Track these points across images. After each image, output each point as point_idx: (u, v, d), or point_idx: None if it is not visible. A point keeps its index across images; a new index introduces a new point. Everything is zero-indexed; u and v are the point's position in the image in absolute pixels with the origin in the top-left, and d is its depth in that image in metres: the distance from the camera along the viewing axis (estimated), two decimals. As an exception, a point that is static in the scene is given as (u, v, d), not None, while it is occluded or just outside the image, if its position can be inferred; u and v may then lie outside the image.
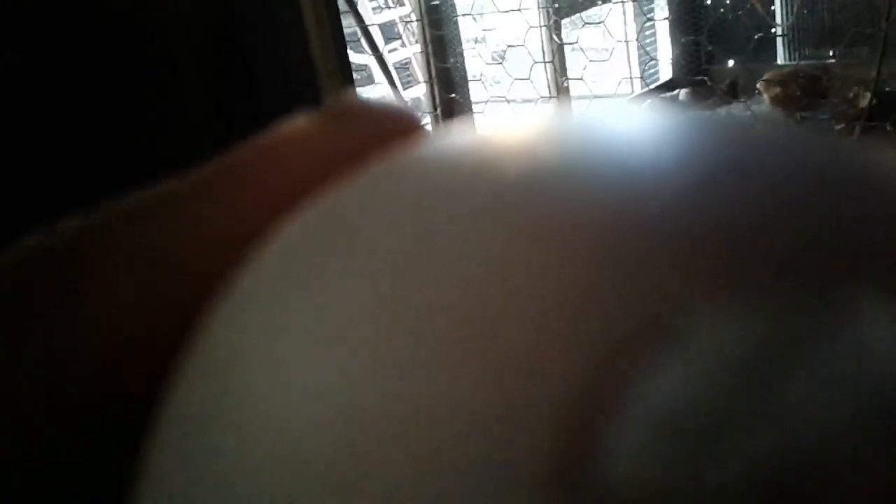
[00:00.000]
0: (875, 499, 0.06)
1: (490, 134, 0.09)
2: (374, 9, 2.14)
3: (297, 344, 0.08)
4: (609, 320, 0.07)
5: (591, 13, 2.00)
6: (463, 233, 0.08)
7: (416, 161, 0.10)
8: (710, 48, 2.09)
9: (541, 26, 1.83)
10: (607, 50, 1.96)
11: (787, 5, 2.14)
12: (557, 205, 0.08)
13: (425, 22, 1.81)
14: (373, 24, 1.90)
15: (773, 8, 2.16)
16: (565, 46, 1.89)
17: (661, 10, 2.18)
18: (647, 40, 2.21)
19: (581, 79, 1.86)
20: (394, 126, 0.11)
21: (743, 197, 0.08)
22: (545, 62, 1.85)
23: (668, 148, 0.09)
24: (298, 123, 0.12)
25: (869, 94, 1.69)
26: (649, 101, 2.02)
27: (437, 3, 1.78)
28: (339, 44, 0.98)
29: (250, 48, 0.85)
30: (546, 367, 0.07)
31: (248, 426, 0.08)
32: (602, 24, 1.93)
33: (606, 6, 1.98)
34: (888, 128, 1.59)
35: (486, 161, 0.09)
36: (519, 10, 1.78)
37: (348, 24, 1.84)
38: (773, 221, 0.07)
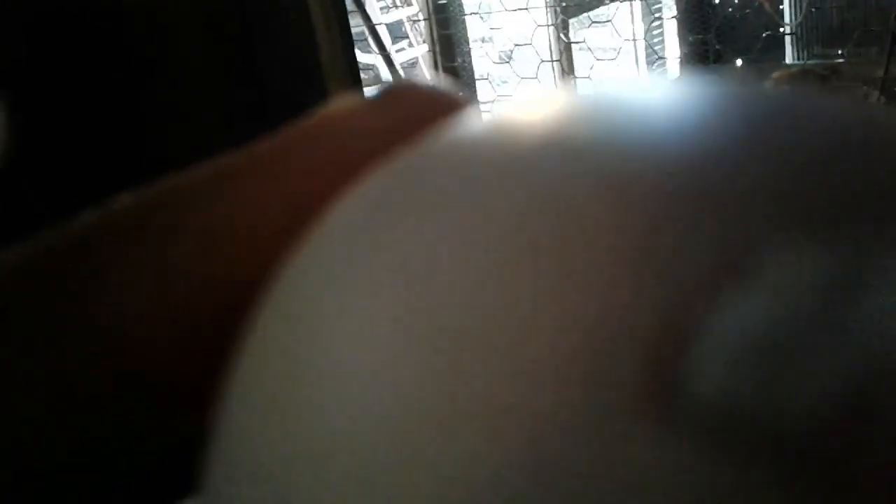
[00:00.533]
0: None
1: (536, 109, 0.10)
2: (381, 8, 2.14)
3: (356, 319, 0.08)
4: (690, 255, 0.07)
5: (599, 12, 1.99)
6: (536, 190, 0.08)
7: (468, 139, 0.10)
8: (718, 47, 2.09)
9: (548, 25, 1.83)
10: (615, 49, 1.96)
11: (795, 4, 2.14)
12: (625, 163, 0.08)
13: (433, 21, 1.81)
14: (380, 24, 1.90)
15: (781, 7, 2.16)
16: (573, 45, 1.89)
17: (670, 10, 2.18)
18: (655, 39, 2.20)
19: (589, 77, 1.86)
20: (441, 105, 0.11)
21: (800, 141, 0.08)
22: (552, 61, 1.85)
23: (713, 107, 0.09)
24: (348, 103, 0.12)
25: (878, 94, 1.68)
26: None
27: (445, 2, 1.78)
28: (347, 43, 0.98)
29: (257, 46, 0.85)
30: (634, 301, 0.07)
31: (310, 409, 0.08)
32: (610, 23, 1.93)
33: (614, 5, 1.97)
34: None
35: (543, 131, 0.09)
36: (526, 8, 1.78)
37: (356, 24, 1.85)
38: (835, 160, 0.08)
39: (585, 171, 0.08)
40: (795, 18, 2.13)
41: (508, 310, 0.07)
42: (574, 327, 0.07)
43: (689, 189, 0.08)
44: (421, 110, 0.11)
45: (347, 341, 0.08)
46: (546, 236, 0.08)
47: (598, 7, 1.99)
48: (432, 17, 1.81)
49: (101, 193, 0.11)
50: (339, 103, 0.12)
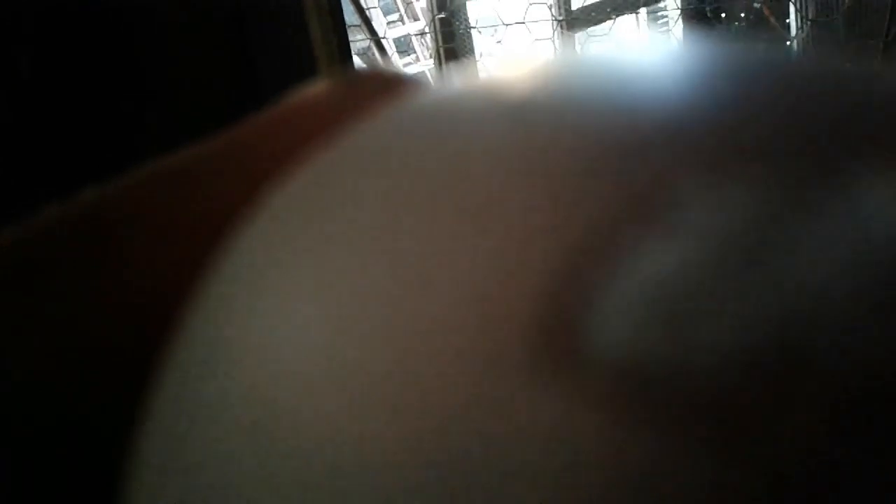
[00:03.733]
0: (866, 354, 0.06)
1: (488, 77, 0.10)
2: (389, 23, 2.16)
3: (294, 281, 0.08)
4: (594, 198, 0.07)
5: (605, 27, 2.00)
6: (454, 145, 0.08)
7: (410, 112, 0.10)
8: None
9: (553, 39, 1.84)
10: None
11: (801, 17, 2.13)
12: (549, 119, 0.08)
13: (438, 35, 1.82)
14: (384, 38, 1.92)
15: (787, 21, 2.16)
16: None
17: (676, 24, 2.18)
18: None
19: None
20: (404, 89, 0.12)
21: (735, 92, 0.08)
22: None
23: (664, 68, 0.09)
24: (311, 92, 0.12)
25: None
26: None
27: (447, 16, 1.80)
28: (345, 56, 0.99)
29: (257, 62, 0.86)
30: (531, 243, 0.07)
31: (243, 370, 0.08)
32: (611, 37, 1.94)
33: (618, 20, 1.98)
34: None
35: (483, 98, 0.09)
36: (524, 22, 1.79)
37: (362, 38, 1.86)
38: (768, 108, 0.07)
39: (505, 133, 0.08)
40: (802, 32, 2.13)
41: (408, 268, 0.07)
42: (467, 279, 0.07)
43: (600, 137, 0.07)
44: (383, 94, 0.11)
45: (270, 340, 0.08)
46: (450, 192, 0.07)
47: (603, 22, 2.00)
48: (438, 30, 1.83)
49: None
50: (303, 91, 0.12)
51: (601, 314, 0.06)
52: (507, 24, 1.80)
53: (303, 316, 0.07)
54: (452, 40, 1.82)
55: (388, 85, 0.12)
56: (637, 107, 0.08)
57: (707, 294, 0.06)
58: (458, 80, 0.10)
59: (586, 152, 0.07)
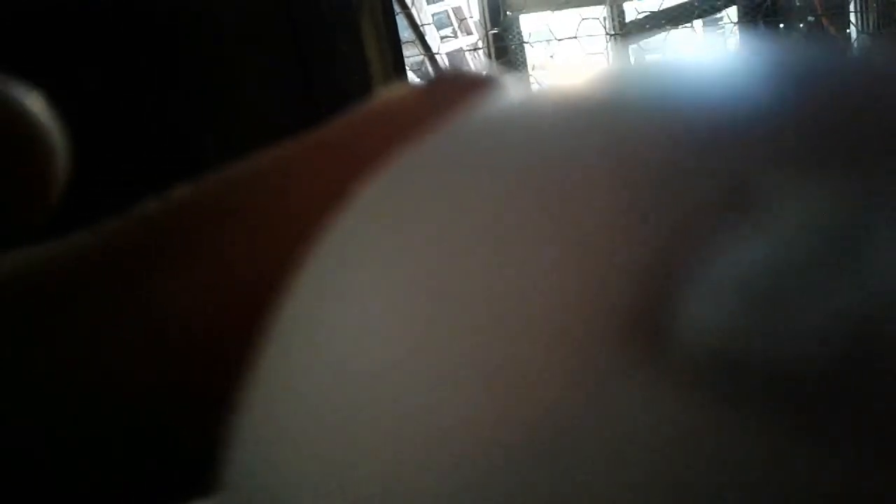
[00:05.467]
0: None
1: (570, 83, 0.10)
2: (442, 38, 2.18)
3: (375, 286, 0.08)
4: (687, 190, 0.07)
5: (658, 40, 1.99)
6: (544, 143, 0.08)
7: (492, 116, 0.10)
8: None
9: (606, 53, 1.83)
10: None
11: (862, 27, 2.09)
12: (636, 116, 0.08)
13: (491, 49, 1.83)
14: (438, 53, 1.94)
15: (847, 31, 2.11)
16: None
17: (733, 35, 2.16)
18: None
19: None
20: (487, 90, 0.12)
21: (829, 89, 0.08)
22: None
23: (743, 68, 0.09)
24: (398, 92, 0.12)
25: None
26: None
27: (499, 31, 1.81)
28: (400, 73, 1.01)
29: (313, 79, 0.88)
30: (623, 234, 0.07)
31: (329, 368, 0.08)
32: (665, 50, 1.92)
33: (672, 33, 1.97)
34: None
35: (566, 103, 0.09)
36: (576, 37, 1.79)
37: (415, 53, 1.89)
38: (859, 107, 0.07)
39: (593, 131, 0.08)
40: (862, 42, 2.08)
41: (499, 262, 0.07)
42: (561, 275, 0.07)
43: (689, 136, 0.07)
44: (467, 96, 0.11)
45: (359, 329, 0.08)
46: (540, 194, 0.08)
47: (657, 35, 1.98)
48: (491, 45, 1.84)
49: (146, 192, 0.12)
50: (390, 92, 0.12)
51: (692, 302, 0.06)
52: (559, 39, 1.80)
53: (399, 312, 0.08)
54: (506, 55, 1.83)
55: (474, 86, 0.12)
56: (722, 105, 0.08)
57: (799, 282, 0.06)
58: (539, 83, 0.10)
59: (677, 147, 0.07)
